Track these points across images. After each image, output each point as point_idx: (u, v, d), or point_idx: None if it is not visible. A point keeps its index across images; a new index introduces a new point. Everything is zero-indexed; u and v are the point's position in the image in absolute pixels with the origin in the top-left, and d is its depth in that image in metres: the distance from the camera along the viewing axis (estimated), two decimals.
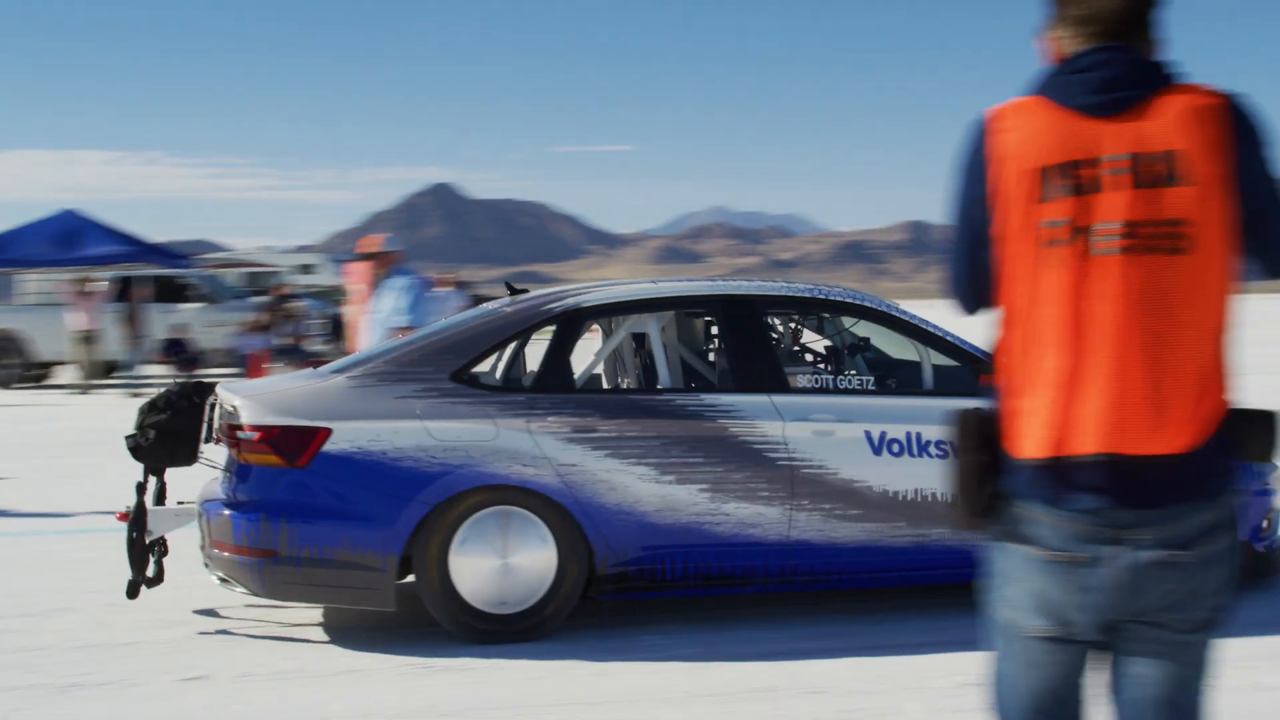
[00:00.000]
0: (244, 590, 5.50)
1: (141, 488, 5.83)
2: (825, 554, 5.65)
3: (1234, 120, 2.28)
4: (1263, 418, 2.34)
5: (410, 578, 5.49)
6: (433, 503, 5.29)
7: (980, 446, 2.39)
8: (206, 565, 5.66)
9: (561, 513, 5.41)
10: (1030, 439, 2.30)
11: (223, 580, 5.59)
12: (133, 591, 5.80)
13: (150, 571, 5.90)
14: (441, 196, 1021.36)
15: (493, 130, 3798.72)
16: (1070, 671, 2.42)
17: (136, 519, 5.72)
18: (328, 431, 5.33)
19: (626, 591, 5.64)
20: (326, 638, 5.67)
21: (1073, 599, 2.31)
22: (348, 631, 5.75)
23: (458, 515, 5.35)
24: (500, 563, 5.38)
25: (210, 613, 6.02)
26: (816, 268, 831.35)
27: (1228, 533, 2.35)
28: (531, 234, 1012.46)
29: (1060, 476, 2.28)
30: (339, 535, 5.29)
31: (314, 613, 6.03)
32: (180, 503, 6.13)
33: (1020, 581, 2.38)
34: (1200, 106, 2.26)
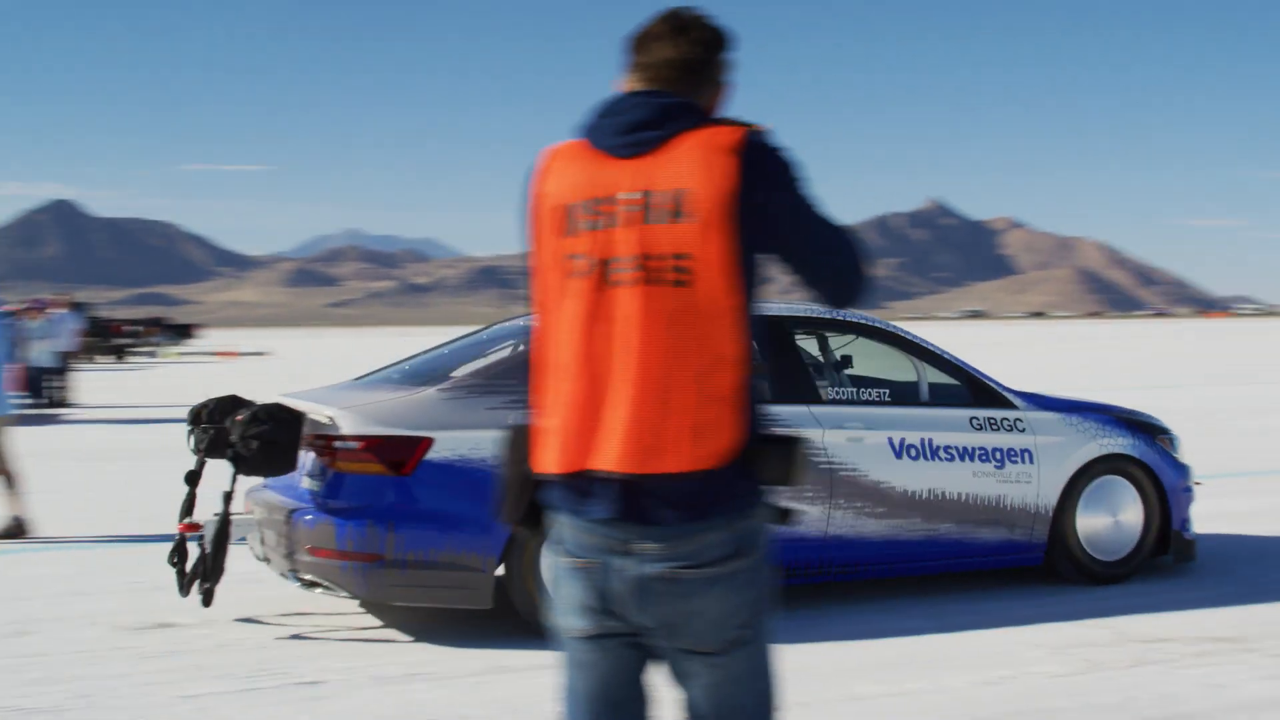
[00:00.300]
0: (345, 594, 5.76)
1: (229, 497, 5.92)
2: (856, 547, 6.33)
3: (746, 158, 2.35)
4: (782, 444, 2.41)
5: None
6: None
7: (519, 460, 2.53)
8: (288, 571, 5.85)
9: None
10: (551, 456, 2.42)
11: (310, 584, 5.83)
12: (207, 599, 5.89)
13: (199, 583, 5.95)
14: (61, 214, 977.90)
15: (118, 146, 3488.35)
16: (621, 673, 2.49)
17: (223, 527, 5.90)
18: (430, 441, 5.65)
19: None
20: (408, 638, 5.89)
21: (597, 603, 2.42)
22: (420, 631, 5.99)
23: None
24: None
25: (255, 620, 6.17)
26: (452, 292, 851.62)
27: (746, 556, 2.40)
28: (159, 254, 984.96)
29: (577, 490, 2.40)
30: (443, 539, 5.59)
31: (366, 617, 6.26)
32: (215, 514, 5.99)
33: (560, 586, 2.49)
34: (713, 146, 2.35)
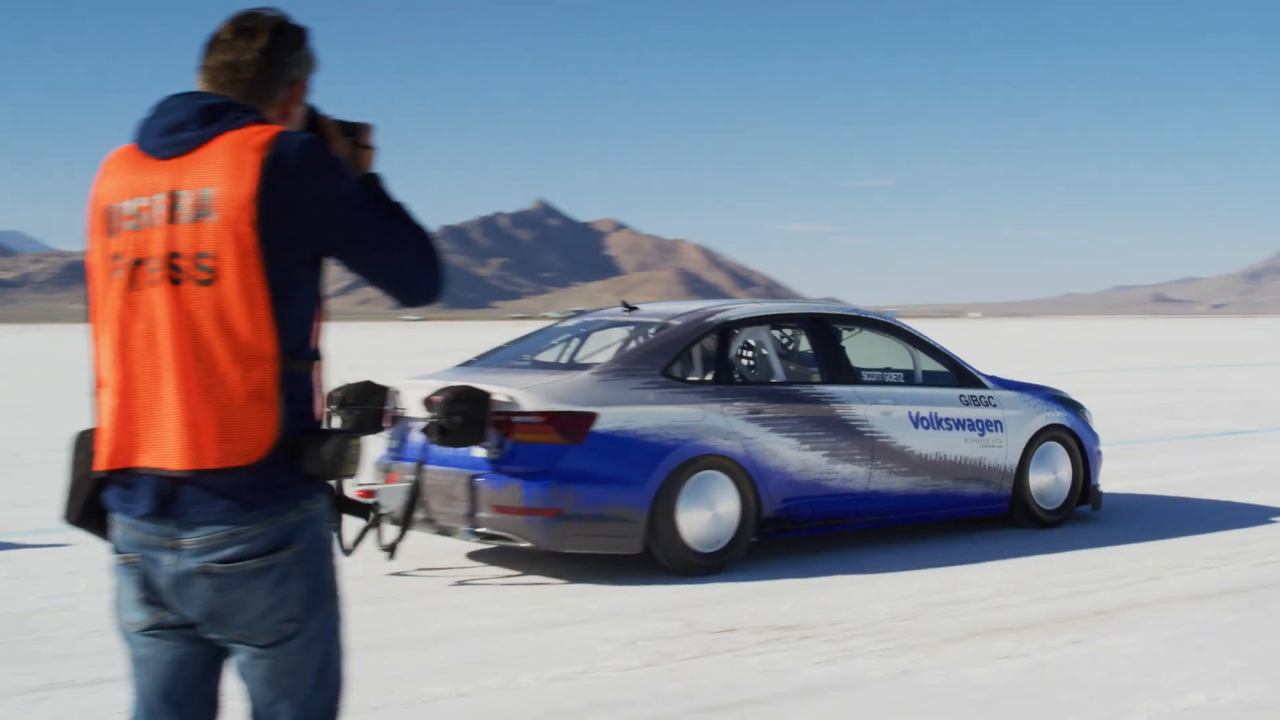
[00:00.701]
0: (525, 544, 6.93)
1: (420, 466, 7.00)
2: (888, 500, 7.91)
3: (273, 157, 2.36)
4: (329, 437, 2.43)
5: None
6: (670, 469, 6.98)
7: (81, 462, 2.55)
8: (466, 527, 6.98)
9: (744, 474, 7.25)
10: (101, 453, 2.46)
11: (487, 537, 7.06)
12: (392, 553, 6.88)
13: (385, 539, 6.99)
14: None
15: None
16: (182, 670, 2.50)
17: (415, 491, 6.95)
18: (596, 415, 6.93)
19: (776, 533, 7.56)
20: (546, 580, 7.13)
21: (147, 597, 2.45)
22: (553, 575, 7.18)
23: (685, 478, 7.06)
24: (711, 513, 7.15)
25: (403, 575, 7.18)
26: (43, 289, 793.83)
27: (289, 549, 2.42)
28: None
29: (124, 488, 2.44)
30: (607, 496, 6.86)
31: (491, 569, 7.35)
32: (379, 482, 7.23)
33: (116, 580, 2.52)
34: (244, 145, 2.37)
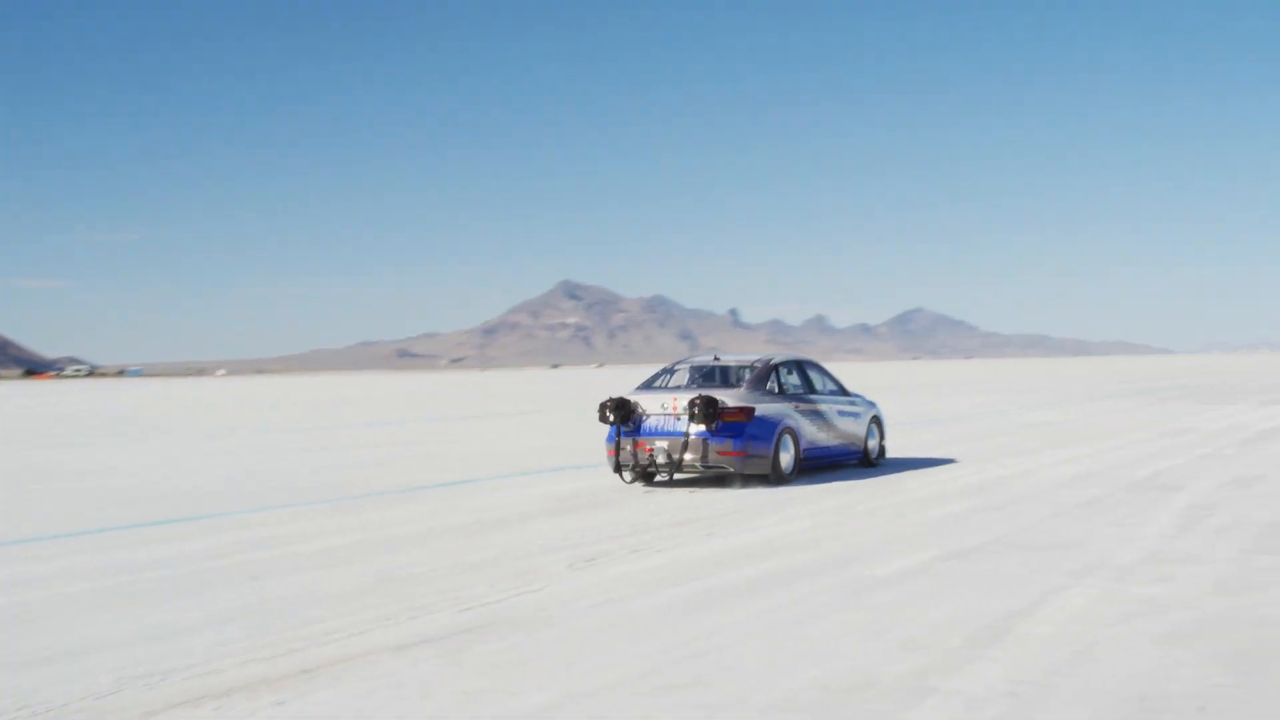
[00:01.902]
0: (731, 471, 14.79)
1: (687, 439, 14.78)
2: (832, 451, 16.51)
3: None
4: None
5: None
6: (778, 432, 14.99)
7: None
8: (702, 465, 14.73)
9: (795, 437, 15.38)
10: None
11: (710, 469, 14.74)
12: (671, 474, 15.20)
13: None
14: None
15: None
16: None
17: (684, 446, 14.87)
18: (754, 409, 14.79)
19: (806, 469, 16.07)
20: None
21: None
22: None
23: (781, 437, 15.07)
24: (788, 455, 15.22)
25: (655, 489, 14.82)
26: None
27: None
28: None
29: None
30: (759, 447, 14.66)
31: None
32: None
33: None
34: None
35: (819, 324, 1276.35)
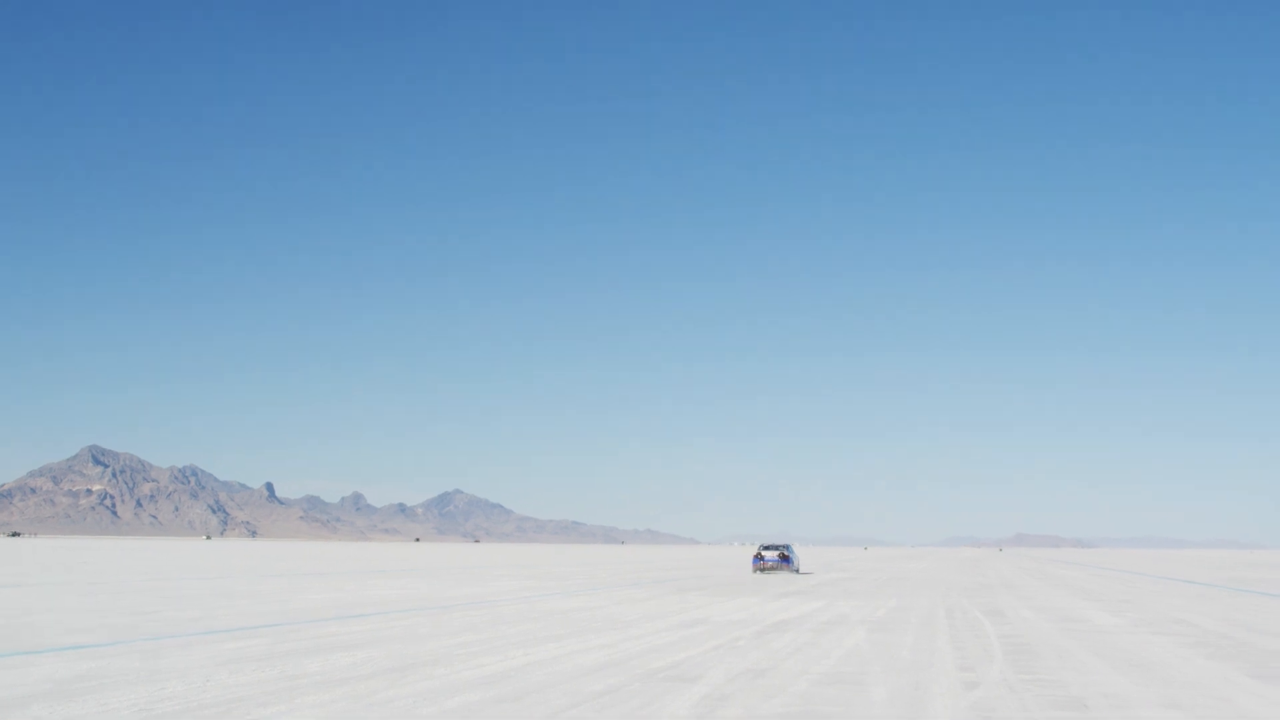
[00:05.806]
0: (795, 572, 64.37)
1: (785, 555, 63.37)
2: None
3: None
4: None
5: None
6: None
7: None
8: (790, 570, 62.50)
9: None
10: None
11: (791, 571, 62.78)
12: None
13: None
14: None
15: None
16: None
17: (796, 563, 67.89)
18: (790, 551, 67.42)
19: None
20: None
21: None
22: None
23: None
24: None
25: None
26: None
27: None
28: None
29: None
30: (791, 568, 63.54)
31: None
32: None
33: None
34: None
35: (356, 501, 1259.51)
